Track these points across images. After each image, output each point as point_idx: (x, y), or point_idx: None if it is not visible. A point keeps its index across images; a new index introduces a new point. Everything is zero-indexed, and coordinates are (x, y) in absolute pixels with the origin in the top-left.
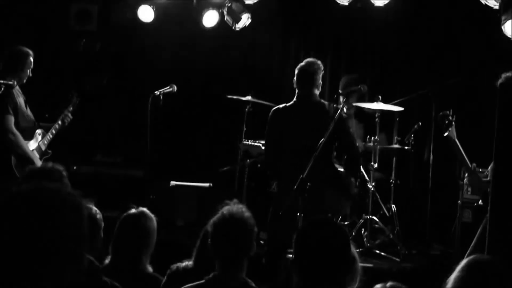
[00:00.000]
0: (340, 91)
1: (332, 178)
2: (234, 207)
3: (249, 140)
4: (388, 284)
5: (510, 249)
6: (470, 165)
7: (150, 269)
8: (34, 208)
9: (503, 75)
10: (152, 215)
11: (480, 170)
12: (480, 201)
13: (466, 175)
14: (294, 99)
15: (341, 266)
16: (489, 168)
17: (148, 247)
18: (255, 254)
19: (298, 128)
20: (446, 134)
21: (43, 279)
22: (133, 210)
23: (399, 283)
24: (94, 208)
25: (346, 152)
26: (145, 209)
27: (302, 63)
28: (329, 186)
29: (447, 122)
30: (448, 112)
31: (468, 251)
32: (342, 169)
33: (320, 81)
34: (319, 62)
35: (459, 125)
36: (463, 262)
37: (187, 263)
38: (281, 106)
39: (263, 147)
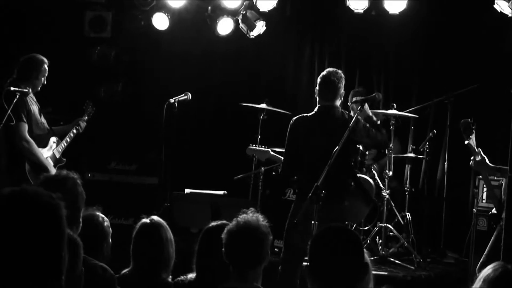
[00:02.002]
0: (353, 100)
1: (352, 185)
2: (249, 215)
3: (257, 145)
4: None
5: None
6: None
7: (169, 279)
8: (8, 211)
9: None
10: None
11: (495, 178)
12: (494, 209)
13: (472, 158)
14: (316, 109)
15: (355, 272)
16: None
17: (168, 257)
18: (271, 262)
19: (318, 140)
20: (467, 142)
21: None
22: (146, 220)
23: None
24: (101, 216)
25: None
26: (159, 218)
27: (324, 72)
28: (348, 193)
29: (468, 129)
30: (469, 120)
31: (481, 260)
32: (363, 176)
33: (343, 91)
34: (340, 71)
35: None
36: (492, 273)
37: (192, 275)
38: (301, 116)
39: (272, 153)
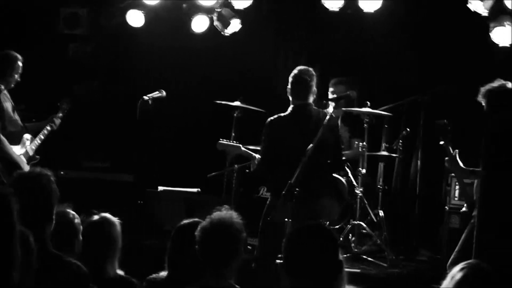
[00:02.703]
0: (329, 98)
1: (327, 183)
2: (223, 212)
3: (227, 140)
4: None
5: (497, 254)
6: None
7: (120, 272)
8: None
9: (482, 89)
10: (115, 220)
11: None
12: (465, 207)
13: (446, 158)
14: (290, 109)
15: (329, 270)
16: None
17: (113, 253)
18: (245, 259)
19: (295, 139)
20: (442, 142)
21: None
22: (95, 217)
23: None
24: (72, 212)
25: (331, 158)
26: (107, 215)
27: (295, 71)
28: (322, 192)
29: (444, 131)
30: (445, 121)
31: (452, 257)
32: (336, 175)
33: (315, 89)
34: (311, 69)
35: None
36: (460, 270)
37: (164, 273)
38: (276, 116)
39: (243, 148)
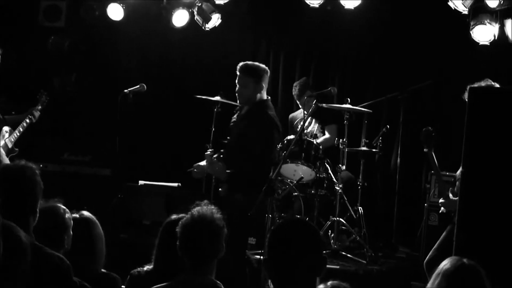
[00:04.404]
0: (310, 93)
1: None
2: (204, 208)
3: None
4: (329, 283)
5: (477, 252)
6: (443, 179)
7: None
8: None
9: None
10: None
11: (447, 173)
12: (443, 208)
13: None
14: (269, 104)
15: (315, 266)
16: (458, 172)
17: (99, 252)
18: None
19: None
20: (426, 150)
21: None
22: (75, 215)
23: (341, 282)
24: (63, 207)
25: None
26: (89, 214)
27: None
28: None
29: (429, 138)
30: (430, 128)
31: (429, 255)
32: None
33: None
34: None
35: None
36: (449, 267)
37: (148, 267)
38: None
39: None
